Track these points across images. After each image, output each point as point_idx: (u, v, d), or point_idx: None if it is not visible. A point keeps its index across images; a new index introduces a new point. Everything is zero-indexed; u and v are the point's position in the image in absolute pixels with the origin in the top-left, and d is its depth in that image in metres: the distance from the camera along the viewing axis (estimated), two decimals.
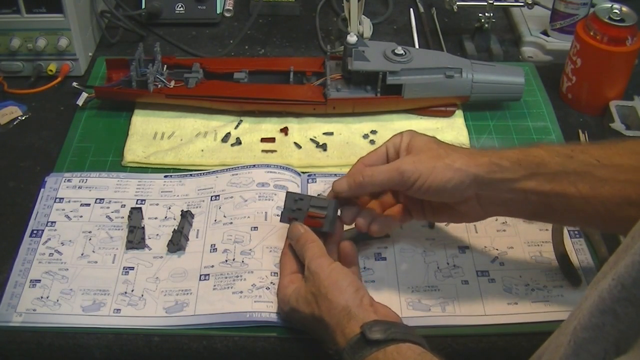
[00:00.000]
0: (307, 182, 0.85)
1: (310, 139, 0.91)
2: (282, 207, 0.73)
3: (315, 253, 0.67)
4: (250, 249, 0.75)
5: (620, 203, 0.62)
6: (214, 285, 0.72)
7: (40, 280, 0.73)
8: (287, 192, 0.73)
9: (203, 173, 0.86)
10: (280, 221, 0.73)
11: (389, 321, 0.61)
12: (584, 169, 0.63)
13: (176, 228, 0.77)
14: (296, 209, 0.72)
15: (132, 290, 0.72)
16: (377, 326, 0.59)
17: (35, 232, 0.78)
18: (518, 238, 0.78)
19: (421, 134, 0.70)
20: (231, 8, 1.17)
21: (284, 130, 0.92)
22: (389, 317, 0.62)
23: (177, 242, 0.76)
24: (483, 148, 0.70)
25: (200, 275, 0.73)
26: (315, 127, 0.93)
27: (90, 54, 1.05)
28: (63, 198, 0.82)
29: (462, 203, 0.68)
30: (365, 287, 0.65)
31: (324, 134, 0.92)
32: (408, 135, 0.70)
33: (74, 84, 0.95)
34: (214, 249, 0.76)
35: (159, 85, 0.93)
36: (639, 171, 0.62)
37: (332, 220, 0.70)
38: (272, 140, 0.91)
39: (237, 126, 0.93)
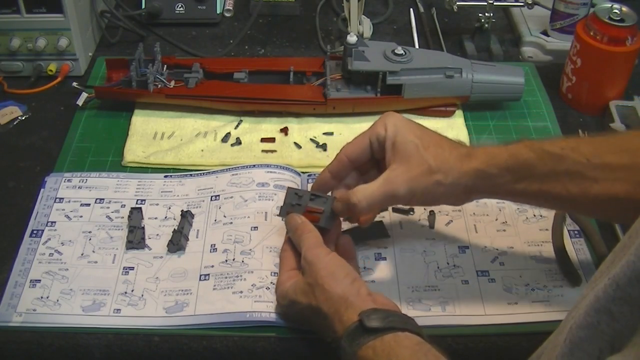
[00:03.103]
0: (307, 182, 0.85)
1: (310, 139, 0.91)
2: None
3: (312, 243, 0.67)
4: (250, 249, 0.75)
5: (607, 200, 0.63)
6: (214, 285, 0.72)
7: (40, 280, 0.73)
8: (288, 188, 0.73)
9: (203, 173, 0.86)
10: (279, 215, 0.73)
11: (388, 310, 0.61)
12: (574, 168, 0.63)
13: (176, 228, 0.77)
14: (295, 204, 0.72)
15: (132, 290, 0.72)
16: (375, 314, 0.59)
17: (35, 232, 0.78)
18: (518, 238, 0.78)
19: (405, 125, 0.69)
20: (231, 8, 1.17)
21: (284, 130, 0.92)
22: (388, 306, 0.62)
23: (177, 242, 0.76)
24: (472, 147, 0.69)
25: (200, 275, 0.73)
26: (315, 127, 0.93)
27: (90, 54, 1.05)
28: (63, 198, 0.82)
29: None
30: (362, 279, 0.65)
31: (324, 134, 0.92)
32: (392, 127, 0.68)
33: (74, 84, 0.95)
34: (214, 249, 0.76)
35: (159, 85, 0.93)
36: (628, 169, 0.62)
37: (329, 216, 0.70)
38: (272, 140, 0.91)
39: (237, 126, 0.93)
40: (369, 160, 0.71)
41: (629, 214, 0.64)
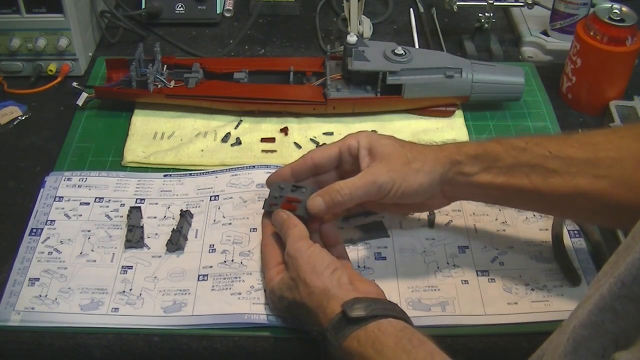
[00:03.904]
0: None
1: (310, 139, 0.91)
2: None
3: (295, 236, 0.67)
4: (249, 250, 0.75)
5: (571, 194, 0.64)
6: (213, 286, 0.72)
7: (39, 278, 0.73)
8: (274, 182, 0.74)
9: (202, 173, 0.86)
10: (262, 208, 0.74)
11: (371, 298, 0.61)
12: (536, 160, 0.66)
13: (175, 227, 0.77)
14: (279, 196, 0.72)
15: (131, 289, 0.72)
16: (358, 304, 0.60)
17: (34, 230, 0.78)
18: (518, 238, 0.78)
19: (378, 135, 0.72)
20: (231, 8, 1.17)
21: (284, 130, 0.92)
22: (371, 293, 0.63)
23: (176, 242, 0.76)
24: (445, 143, 0.74)
25: (199, 276, 0.73)
26: (315, 127, 0.93)
27: (90, 54, 1.05)
28: (63, 197, 0.82)
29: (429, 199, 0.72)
30: (343, 268, 0.65)
31: (324, 134, 0.92)
32: (366, 138, 0.71)
33: (74, 84, 0.95)
34: (212, 249, 0.76)
35: (159, 85, 0.93)
36: (589, 163, 0.64)
37: (306, 205, 0.71)
38: (272, 140, 0.91)
39: (237, 126, 0.93)
40: (332, 170, 0.74)
41: (607, 214, 0.65)
